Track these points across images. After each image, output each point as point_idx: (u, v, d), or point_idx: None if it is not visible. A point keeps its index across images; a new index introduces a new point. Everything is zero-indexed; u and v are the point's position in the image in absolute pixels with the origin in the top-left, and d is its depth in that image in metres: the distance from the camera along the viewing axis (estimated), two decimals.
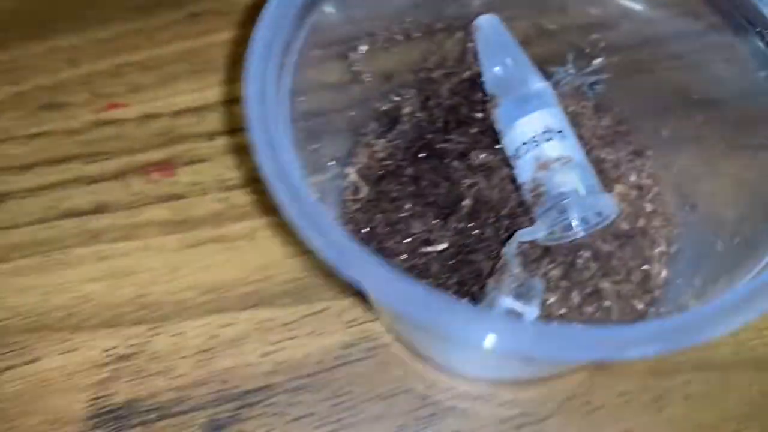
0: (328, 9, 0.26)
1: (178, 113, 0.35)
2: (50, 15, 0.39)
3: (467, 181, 0.29)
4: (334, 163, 0.30)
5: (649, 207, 0.30)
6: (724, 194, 0.28)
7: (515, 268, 0.26)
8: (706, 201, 0.29)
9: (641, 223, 0.30)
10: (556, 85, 0.31)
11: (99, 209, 0.33)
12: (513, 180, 0.29)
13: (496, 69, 0.30)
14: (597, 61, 0.32)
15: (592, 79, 0.32)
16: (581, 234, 0.27)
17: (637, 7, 0.30)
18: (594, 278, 0.27)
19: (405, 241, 0.28)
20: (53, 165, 0.34)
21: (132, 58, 0.37)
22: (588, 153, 0.30)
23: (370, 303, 0.29)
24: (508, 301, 0.25)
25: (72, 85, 0.36)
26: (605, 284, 0.27)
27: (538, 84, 0.29)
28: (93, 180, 0.33)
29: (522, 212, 0.29)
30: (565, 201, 0.27)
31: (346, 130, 0.31)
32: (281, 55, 0.23)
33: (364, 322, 0.30)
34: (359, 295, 0.30)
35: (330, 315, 0.30)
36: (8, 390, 0.29)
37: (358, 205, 0.30)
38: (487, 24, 0.30)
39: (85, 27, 0.38)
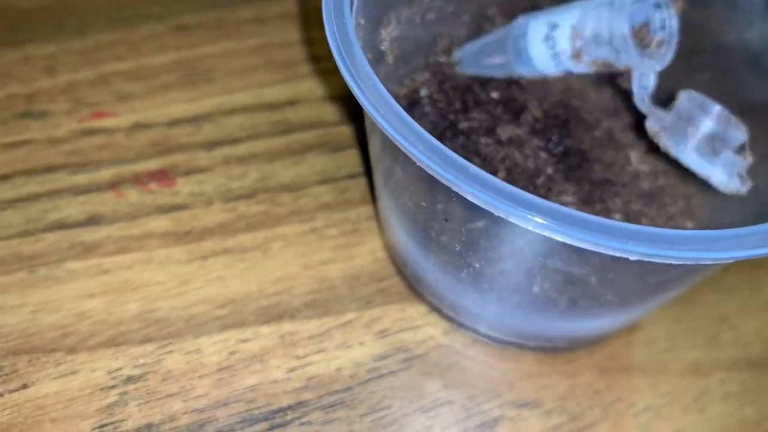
0: None
1: (172, 123, 0.33)
2: (24, 24, 0.36)
3: (499, 155, 0.28)
4: None
5: (661, 168, 0.31)
6: None
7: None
8: None
9: (660, 181, 0.30)
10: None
11: (92, 221, 0.29)
12: (544, 149, 0.29)
13: None
14: None
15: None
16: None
17: None
18: None
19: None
20: (35, 175, 0.31)
21: (116, 67, 0.35)
22: (595, 125, 0.30)
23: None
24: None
25: (51, 94, 0.33)
26: None
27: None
28: (83, 190, 0.30)
29: (559, 179, 0.28)
30: None
31: None
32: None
33: (397, 332, 0.28)
34: (389, 304, 0.29)
35: (359, 326, 0.28)
36: None
37: None
38: None
39: (63, 36, 0.36)
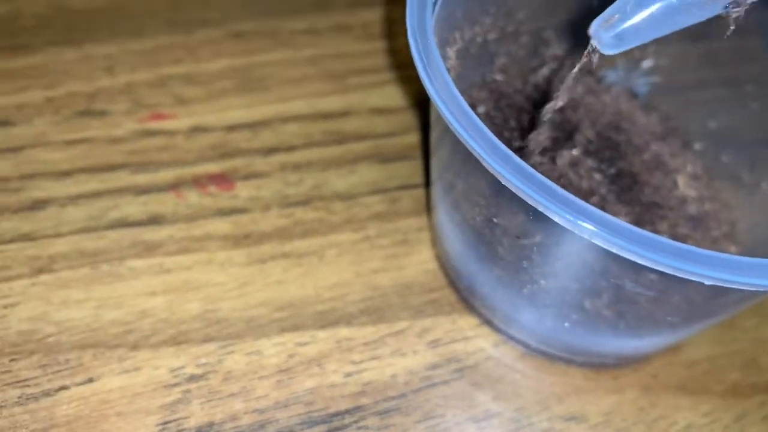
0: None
1: (230, 128, 0.34)
2: (83, 24, 0.37)
3: (554, 174, 0.29)
4: None
5: (707, 194, 0.32)
6: None
7: None
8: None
9: (707, 206, 0.31)
10: (607, 88, 0.33)
11: (153, 220, 0.30)
12: (598, 170, 0.30)
13: None
14: (646, 64, 0.34)
15: (642, 79, 0.34)
16: None
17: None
18: None
19: None
20: (96, 173, 0.31)
21: (174, 70, 0.35)
22: (644, 148, 0.31)
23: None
24: None
25: (111, 94, 0.34)
26: None
27: None
28: (143, 190, 0.31)
29: (612, 200, 0.29)
30: None
31: None
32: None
33: (449, 342, 0.29)
34: (440, 314, 0.29)
35: (411, 335, 0.29)
36: (62, 413, 0.25)
37: None
38: None
39: (122, 38, 0.36)
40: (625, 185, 0.30)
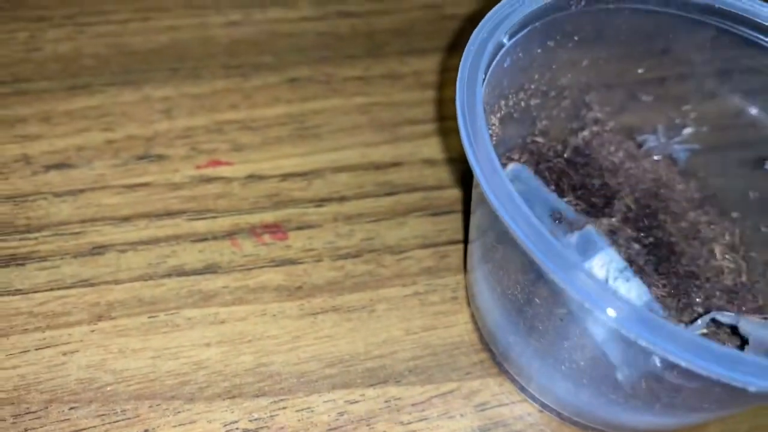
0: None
1: (285, 176, 0.34)
2: (141, 64, 0.37)
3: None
4: None
5: (744, 265, 0.32)
6: None
7: None
8: None
9: (743, 278, 0.31)
10: (646, 153, 0.33)
11: (209, 269, 0.31)
12: (636, 239, 0.30)
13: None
14: (687, 131, 0.34)
15: (682, 147, 0.34)
16: None
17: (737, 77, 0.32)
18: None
19: None
20: (155, 218, 0.32)
21: (231, 116, 0.36)
22: (681, 216, 0.31)
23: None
24: None
25: (169, 138, 0.35)
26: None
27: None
28: (201, 238, 0.32)
29: (650, 271, 0.29)
30: None
31: None
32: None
33: (495, 406, 0.29)
34: (488, 376, 0.30)
35: (459, 397, 0.29)
36: None
37: None
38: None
39: (179, 80, 0.37)
40: (662, 255, 0.30)
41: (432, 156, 0.37)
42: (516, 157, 0.32)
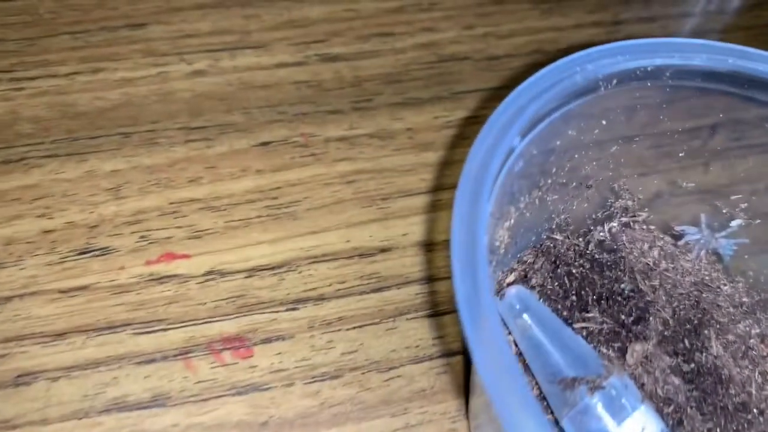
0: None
1: (252, 271, 0.29)
2: (88, 130, 0.32)
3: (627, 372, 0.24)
4: None
5: None
6: None
7: None
8: None
9: None
10: (686, 248, 0.28)
11: (157, 401, 0.26)
12: (674, 369, 0.25)
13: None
14: (735, 223, 0.28)
15: (728, 242, 0.29)
16: None
17: None
18: None
19: None
20: (94, 334, 0.27)
21: (190, 193, 0.31)
22: (730, 325, 0.26)
23: None
24: None
25: (116, 224, 0.29)
26: None
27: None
28: (148, 359, 0.26)
29: (692, 411, 0.24)
30: None
31: None
32: None
33: None
34: None
35: None
36: None
37: None
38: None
39: (131, 149, 0.32)
40: (707, 386, 0.25)
41: (427, 237, 0.31)
42: (529, 259, 0.27)
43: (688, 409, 0.24)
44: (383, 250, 0.30)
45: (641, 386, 0.25)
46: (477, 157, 0.20)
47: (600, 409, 0.23)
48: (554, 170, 0.25)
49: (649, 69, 0.24)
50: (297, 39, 0.37)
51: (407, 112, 0.35)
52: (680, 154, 0.26)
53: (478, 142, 0.21)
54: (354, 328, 0.28)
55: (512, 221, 0.24)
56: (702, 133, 0.26)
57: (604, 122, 0.25)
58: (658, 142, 0.26)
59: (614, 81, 0.23)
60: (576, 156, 0.25)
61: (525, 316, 0.25)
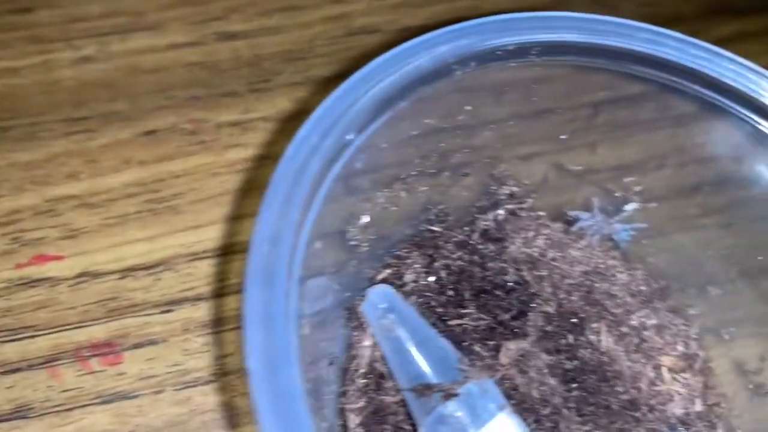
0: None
1: (126, 272, 0.28)
2: None
3: (497, 374, 0.23)
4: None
5: (700, 383, 0.25)
6: None
7: None
8: None
9: (697, 406, 0.24)
10: (578, 235, 0.26)
11: (18, 412, 0.25)
12: (553, 367, 0.23)
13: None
14: (630, 207, 0.26)
15: (624, 227, 0.27)
16: None
17: (689, 142, 0.24)
18: None
19: None
20: None
21: (68, 190, 0.29)
22: (624, 317, 0.24)
23: None
24: None
25: None
26: None
27: None
28: (13, 368, 0.26)
29: (569, 414, 0.23)
30: None
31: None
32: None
33: None
34: None
35: None
36: None
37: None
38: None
39: (9, 144, 0.30)
40: (589, 385, 0.23)
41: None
42: (403, 254, 0.25)
43: (565, 411, 0.23)
44: None
45: (514, 388, 0.23)
46: (294, 161, 0.19)
47: (456, 417, 0.21)
48: (416, 161, 0.23)
49: (510, 48, 0.22)
50: (194, 17, 0.35)
51: (308, 93, 0.33)
52: (562, 136, 0.24)
53: (295, 143, 0.19)
54: (233, 329, 0.27)
55: (369, 218, 0.23)
56: (583, 113, 0.24)
57: (468, 107, 0.23)
58: (535, 124, 0.24)
59: (471, 63, 0.21)
60: (442, 144, 0.23)
61: (390, 317, 0.23)
